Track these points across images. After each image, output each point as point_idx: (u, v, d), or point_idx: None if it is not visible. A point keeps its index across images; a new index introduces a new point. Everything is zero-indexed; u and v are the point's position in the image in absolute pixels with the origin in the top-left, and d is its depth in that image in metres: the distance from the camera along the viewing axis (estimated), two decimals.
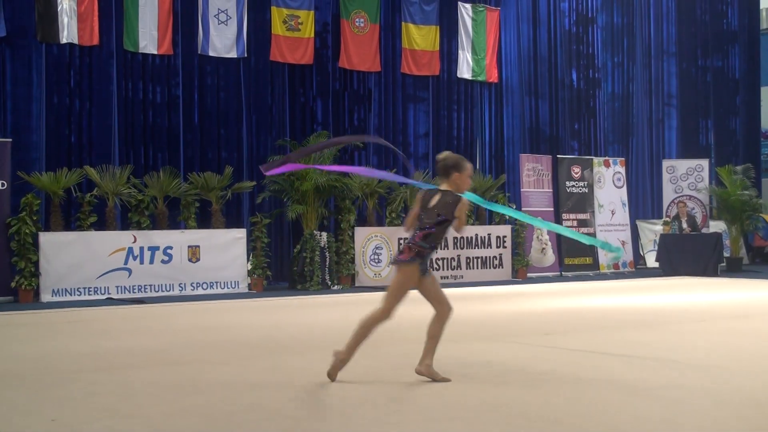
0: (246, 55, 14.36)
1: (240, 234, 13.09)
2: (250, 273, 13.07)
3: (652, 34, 19.70)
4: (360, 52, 15.55)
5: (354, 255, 13.81)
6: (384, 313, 5.57)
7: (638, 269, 17.56)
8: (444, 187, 5.73)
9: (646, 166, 19.21)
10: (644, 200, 19.05)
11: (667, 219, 17.30)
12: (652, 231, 18.14)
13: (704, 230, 17.13)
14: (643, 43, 19.57)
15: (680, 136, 19.91)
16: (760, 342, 7.10)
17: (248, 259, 13.12)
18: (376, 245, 14.06)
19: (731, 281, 14.53)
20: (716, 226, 17.72)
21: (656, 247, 17.12)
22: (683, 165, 18.38)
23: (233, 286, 12.80)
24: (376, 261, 14.02)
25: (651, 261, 17.74)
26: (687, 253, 16.22)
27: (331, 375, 5.50)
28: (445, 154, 5.85)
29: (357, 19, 15.48)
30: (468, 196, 5.73)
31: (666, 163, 18.55)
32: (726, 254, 17.19)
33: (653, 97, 19.63)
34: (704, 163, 18.35)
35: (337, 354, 5.53)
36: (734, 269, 16.92)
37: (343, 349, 5.54)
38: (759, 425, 4.26)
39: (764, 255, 19.75)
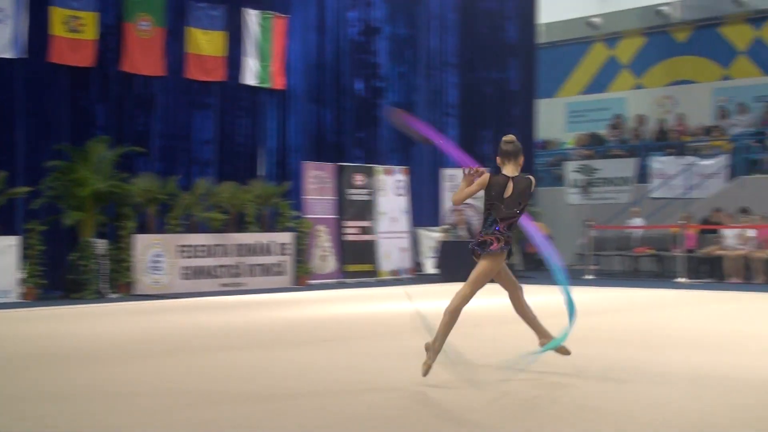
0: (26, 56, 14.28)
1: (11, 242, 13.10)
2: (22, 282, 13.09)
3: (434, 46, 21.03)
4: (144, 55, 15.82)
5: (133, 263, 14.07)
6: (467, 299, 6.26)
7: (418, 275, 18.76)
8: (511, 171, 6.23)
9: (426, 175, 20.40)
10: (423, 208, 20.19)
11: (446, 226, 18.62)
12: (431, 238, 19.36)
13: None
14: (425, 54, 20.85)
15: (460, 145, 21.21)
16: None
17: (21, 268, 13.12)
18: (155, 253, 14.38)
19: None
20: None
21: (435, 254, 18.41)
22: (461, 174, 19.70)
23: (3, 295, 12.81)
24: (156, 269, 14.34)
25: (430, 267, 18.95)
26: (464, 259, 17.37)
27: (428, 366, 6.09)
28: (512, 137, 6.39)
29: (142, 22, 15.72)
30: None
31: (446, 172, 19.88)
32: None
33: (435, 107, 20.98)
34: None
35: (431, 346, 6.16)
36: (517, 275, 18.33)
37: (434, 340, 6.16)
38: None
39: (537, 261, 21.42)
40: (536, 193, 19.02)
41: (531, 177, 6.32)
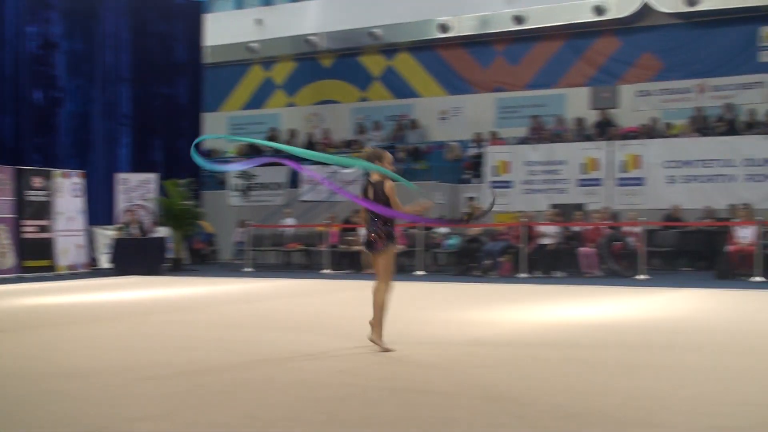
0: None
1: None
2: None
3: (109, 61, 22.49)
4: None
5: None
6: (390, 288, 7.33)
7: (93, 270, 19.87)
8: (375, 177, 7.24)
9: (102, 179, 21.86)
10: (99, 209, 21.67)
11: (120, 225, 20.10)
12: (106, 236, 20.59)
13: (152, 235, 20.21)
14: (101, 68, 22.26)
15: (133, 152, 22.95)
16: (199, 331, 9.51)
17: None
18: None
19: (174, 279, 17.67)
20: (162, 231, 20.80)
21: (109, 250, 19.67)
22: (135, 178, 21.69)
23: None
24: None
25: (104, 262, 20.18)
26: (137, 255, 19.09)
27: (383, 347, 7.22)
28: (365, 150, 7.46)
29: None
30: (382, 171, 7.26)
31: (120, 176, 21.62)
32: (170, 255, 20.62)
33: (110, 118, 22.39)
34: (153, 176, 21.84)
35: (373, 337, 7.28)
36: (177, 269, 20.29)
37: (374, 332, 7.29)
38: None
39: (202, 256, 23.71)
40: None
41: (386, 179, 7.31)
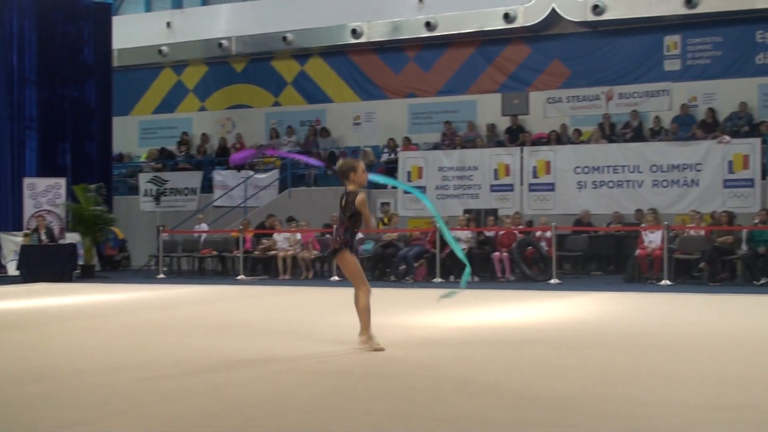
0: None
1: None
2: None
3: (15, 64, 22.13)
4: None
5: None
6: (367, 292, 7.68)
7: (0, 277, 19.70)
8: (349, 188, 7.64)
9: (9, 184, 21.52)
10: (6, 214, 21.34)
11: (28, 231, 19.76)
12: (13, 242, 20.29)
13: (61, 241, 20.04)
14: (6, 71, 21.88)
15: (40, 157, 22.56)
16: (111, 339, 9.40)
17: None
18: None
19: (84, 286, 17.54)
20: (72, 237, 20.67)
21: (17, 257, 19.42)
22: (43, 183, 21.37)
23: None
24: None
25: (12, 269, 19.92)
26: (46, 261, 18.94)
27: (375, 347, 7.57)
28: (339, 163, 7.80)
29: None
30: (373, 177, 7.84)
31: (26, 181, 21.24)
32: (80, 262, 20.40)
33: (15, 121, 22.01)
34: (62, 181, 21.53)
35: (362, 339, 7.63)
36: (88, 275, 20.18)
37: (362, 335, 7.65)
38: None
39: (114, 262, 23.46)
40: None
41: (359, 192, 7.67)
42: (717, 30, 21.97)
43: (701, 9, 21.33)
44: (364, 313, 7.73)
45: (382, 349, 7.64)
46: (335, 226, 7.96)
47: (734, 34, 21.83)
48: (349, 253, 7.73)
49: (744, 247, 16.64)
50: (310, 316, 11.37)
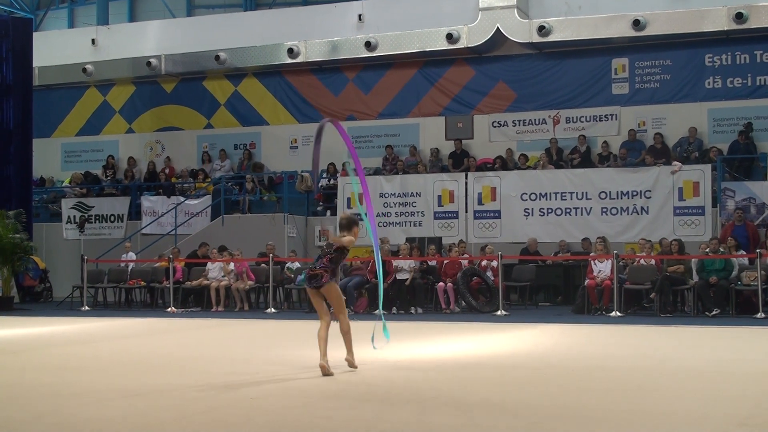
0: None
1: None
2: None
3: None
4: None
5: None
6: (345, 316, 8.91)
7: None
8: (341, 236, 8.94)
9: None
10: None
11: None
12: None
13: None
14: None
15: None
16: (28, 376, 9.37)
17: None
18: None
19: (2, 319, 17.12)
20: None
21: None
22: None
23: None
24: None
25: None
26: None
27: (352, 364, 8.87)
28: (347, 214, 9.14)
29: None
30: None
31: None
32: None
33: None
34: None
35: (349, 362, 8.86)
36: (6, 308, 19.73)
37: (349, 356, 8.87)
38: None
39: (34, 294, 23.05)
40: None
41: (343, 239, 9.00)
42: (665, 53, 22.42)
43: (649, 31, 21.75)
44: (346, 334, 8.92)
45: (331, 374, 8.55)
46: (317, 257, 9.13)
47: (683, 57, 22.28)
48: (335, 284, 8.92)
49: (695, 276, 16.90)
50: (245, 350, 11.38)
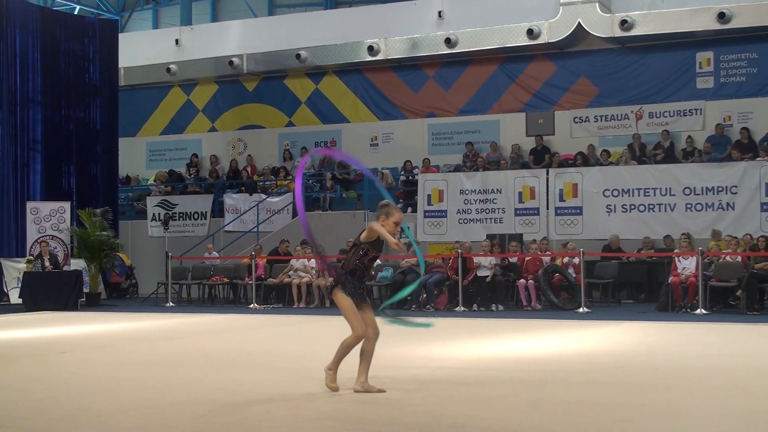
0: None
1: None
2: None
3: (18, 83, 22.18)
4: None
5: None
6: (361, 335, 7.34)
7: (2, 305, 19.79)
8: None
9: (12, 208, 21.62)
10: (9, 239, 21.45)
11: (31, 257, 19.81)
12: (16, 269, 20.37)
13: (66, 268, 20.21)
14: (9, 91, 21.91)
15: (44, 179, 22.66)
16: (116, 371, 9.32)
17: None
18: None
19: (90, 315, 17.64)
20: (77, 263, 20.80)
21: (20, 284, 19.40)
22: (47, 207, 21.45)
23: None
24: None
25: (15, 297, 19.91)
26: (49, 289, 19.05)
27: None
28: (385, 202, 7.42)
29: None
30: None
31: (30, 205, 21.30)
32: (86, 290, 20.49)
33: (18, 143, 22.07)
34: (66, 205, 21.63)
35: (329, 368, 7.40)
36: (93, 304, 20.27)
37: (330, 368, 7.38)
38: None
39: (120, 290, 23.56)
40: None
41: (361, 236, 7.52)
42: (752, 46, 21.94)
43: (735, 24, 21.30)
44: (342, 348, 7.53)
45: (336, 389, 7.48)
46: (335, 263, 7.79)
47: None
48: (341, 292, 7.46)
49: None
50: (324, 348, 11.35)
